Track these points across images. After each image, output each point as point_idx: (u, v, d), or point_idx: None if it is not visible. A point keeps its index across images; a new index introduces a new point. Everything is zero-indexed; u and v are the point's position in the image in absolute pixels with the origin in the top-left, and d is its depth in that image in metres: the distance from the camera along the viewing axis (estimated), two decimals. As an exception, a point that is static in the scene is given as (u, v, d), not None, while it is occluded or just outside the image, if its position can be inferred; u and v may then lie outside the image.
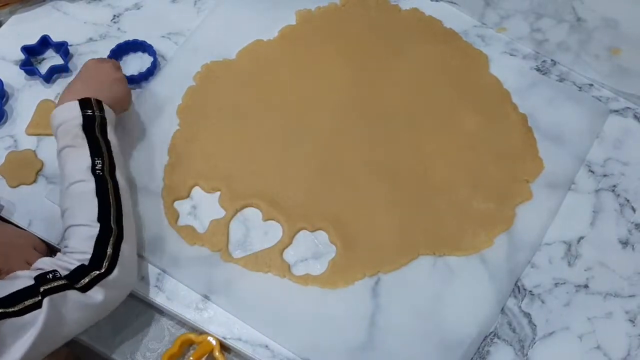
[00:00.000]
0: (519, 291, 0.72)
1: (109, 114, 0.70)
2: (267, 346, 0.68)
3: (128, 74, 0.81)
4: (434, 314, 0.69)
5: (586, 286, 0.72)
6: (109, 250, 0.62)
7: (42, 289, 0.57)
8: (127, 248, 0.64)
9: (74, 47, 0.85)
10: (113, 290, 0.62)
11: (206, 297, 0.70)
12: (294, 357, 0.67)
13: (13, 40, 0.84)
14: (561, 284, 0.72)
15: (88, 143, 0.66)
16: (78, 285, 0.59)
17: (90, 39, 0.85)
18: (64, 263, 0.61)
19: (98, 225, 0.63)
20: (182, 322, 0.70)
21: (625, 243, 0.75)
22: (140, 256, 0.71)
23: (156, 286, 0.70)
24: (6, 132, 0.79)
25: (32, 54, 0.84)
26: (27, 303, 0.56)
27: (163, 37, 0.86)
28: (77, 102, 0.68)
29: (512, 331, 0.70)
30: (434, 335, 0.68)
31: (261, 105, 0.80)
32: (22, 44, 0.83)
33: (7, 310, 0.55)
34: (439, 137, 0.79)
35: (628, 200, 0.77)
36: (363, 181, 0.76)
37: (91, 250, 0.61)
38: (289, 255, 0.72)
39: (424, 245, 0.72)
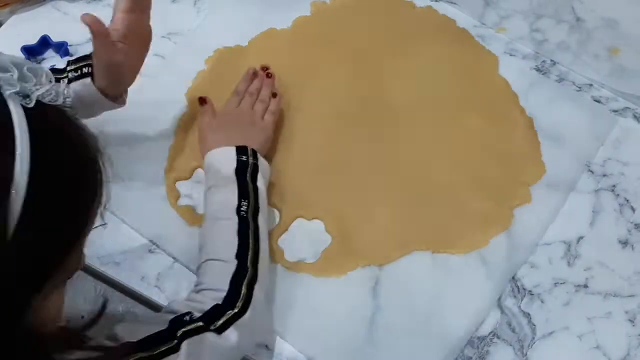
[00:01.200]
0: (519, 291, 0.72)
1: (262, 163, 0.71)
2: (266, 346, 0.68)
3: None
4: (432, 313, 0.69)
5: (586, 286, 0.72)
6: (243, 290, 0.61)
7: (179, 333, 0.55)
8: (259, 291, 0.63)
9: (73, 47, 0.85)
10: (246, 332, 0.60)
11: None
12: (294, 358, 0.67)
13: (13, 40, 0.84)
14: (561, 283, 0.72)
15: (237, 185, 0.67)
16: (213, 327, 0.58)
17: (90, 39, 0.85)
18: (198, 304, 0.59)
19: (235, 262, 0.62)
20: (181, 322, 0.70)
21: (624, 243, 0.75)
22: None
23: (156, 286, 0.70)
24: (6, 132, 0.79)
25: (32, 54, 0.84)
26: (163, 347, 0.54)
27: (163, 37, 0.86)
28: (234, 148, 0.70)
29: (511, 331, 0.70)
30: (432, 334, 0.68)
31: None
32: (22, 44, 0.83)
33: (144, 355, 0.52)
34: (442, 135, 0.79)
35: (627, 200, 0.77)
36: (363, 174, 0.76)
37: (226, 288, 0.60)
38: (284, 241, 0.72)
39: (419, 241, 0.73)
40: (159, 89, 0.80)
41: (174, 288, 0.70)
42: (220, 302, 0.59)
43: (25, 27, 0.86)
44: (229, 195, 0.67)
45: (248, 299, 0.61)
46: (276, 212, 0.74)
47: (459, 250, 0.72)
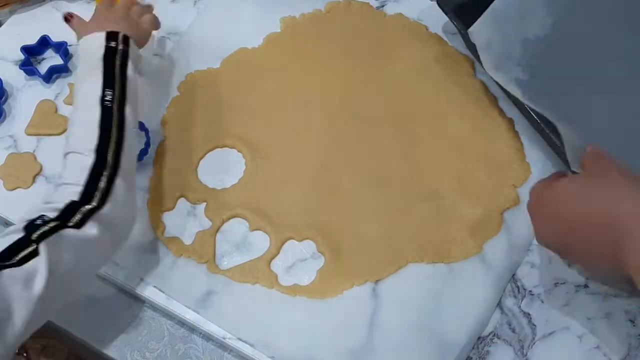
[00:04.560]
0: (519, 291, 0.72)
1: (134, 50, 0.71)
2: (267, 346, 0.68)
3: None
4: (432, 314, 0.69)
5: (586, 286, 0.72)
6: (102, 184, 0.60)
7: (34, 236, 0.55)
8: (122, 184, 0.62)
9: (73, 47, 0.85)
10: (105, 225, 0.59)
11: (193, 309, 0.69)
12: (294, 359, 0.67)
13: (13, 40, 0.84)
14: (561, 283, 0.72)
15: (103, 73, 0.66)
16: (71, 223, 0.57)
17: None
18: (52, 205, 0.58)
19: (94, 156, 0.61)
20: (181, 322, 0.70)
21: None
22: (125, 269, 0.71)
23: (155, 286, 0.70)
24: (5, 131, 0.79)
25: (31, 54, 0.84)
26: (23, 254, 0.53)
27: (162, 37, 0.86)
28: (103, 33, 0.69)
29: (511, 331, 0.70)
30: (431, 335, 0.68)
31: (246, 114, 0.80)
32: (22, 44, 0.83)
33: (5, 263, 0.52)
34: (426, 143, 0.78)
35: (628, 200, 0.77)
36: (350, 189, 0.75)
37: (83, 182, 0.60)
38: (277, 265, 0.72)
39: (412, 253, 0.72)
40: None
41: (174, 288, 0.70)
42: (76, 198, 0.59)
43: (25, 27, 0.86)
44: (94, 84, 0.65)
45: (106, 193, 0.60)
46: (266, 237, 0.73)
47: (453, 259, 0.72)
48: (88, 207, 0.59)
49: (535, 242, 0.74)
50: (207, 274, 0.71)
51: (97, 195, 0.60)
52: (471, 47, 0.83)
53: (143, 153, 0.76)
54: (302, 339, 0.68)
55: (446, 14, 0.81)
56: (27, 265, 0.53)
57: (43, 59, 0.84)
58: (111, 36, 0.69)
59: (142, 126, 0.76)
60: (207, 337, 0.69)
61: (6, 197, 0.75)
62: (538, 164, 0.78)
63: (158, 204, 0.74)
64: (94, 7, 0.86)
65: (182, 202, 0.75)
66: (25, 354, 0.96)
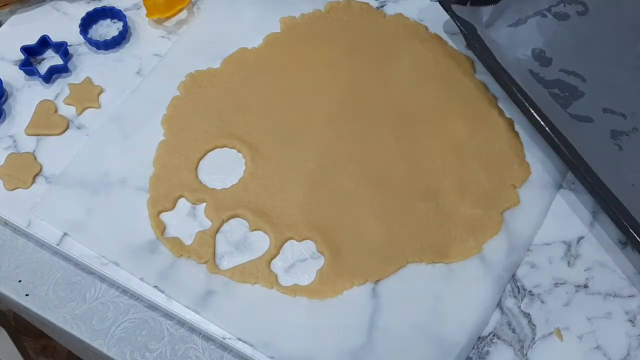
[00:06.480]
0: (519, 291, 0.72)
1: None
2: (267, 346, 0.68)
3: (101, 39, 0.85)
4: (432, 314, 0.69)
5: (586, 286, 0.72)
6: None
7: None
8: None
9: (73, 47, 0.85)
10: None
11: (193, 309, 0.69)
12: (294, 359, 0.67)
13: (13, 40, 0.84)
14: (561, 284, 0.72)
15: None
16: None
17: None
18: None
19: None
20: (181, 322, 0.70)
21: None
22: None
23: (155, 286, 0.70)
24: (5, 131, 0.79)
25: (31, 54, 0.84)
26: None
27: (162, 37, 0.86)
28: None
29: (511, 331, 0.70)
30: (431, 335, 0.68)
31: (246, 114, 0.80)
32: (22, 44, 0.83)
33: None
34: (425, 143, 0.78)
35: (628, 200, 0.77)
36: (350, 189, 0.75)
37: None
38: (276, 265, 0.72)
39: (412, 253, 0.72)
40: (136, 117, 0.79)
41: (174, 288, 0.70)
42: None
43: (24, 27, 0.86)
44: None
45: None
46: (266, 237, 0.72)
47: (453, 259, 0.72)
48: None
49: (535, 242, 0.74)
50: (207, 274, 0.70)
51: None
52: (471, 47, 0.83)
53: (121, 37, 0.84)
54: (302, 339, 0.68)
55: (447, 11, 0.81)
56: None
57: (43, 59, 0.84)
58: None
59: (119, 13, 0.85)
60: (207, 337, 0.69)
61: (6, 197, 0.75)
62: (538, 164, 0.78)
63: (158, 204, 0.74)
64: (94, 7, 0.87)
65: (182, 202, 0.75)
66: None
